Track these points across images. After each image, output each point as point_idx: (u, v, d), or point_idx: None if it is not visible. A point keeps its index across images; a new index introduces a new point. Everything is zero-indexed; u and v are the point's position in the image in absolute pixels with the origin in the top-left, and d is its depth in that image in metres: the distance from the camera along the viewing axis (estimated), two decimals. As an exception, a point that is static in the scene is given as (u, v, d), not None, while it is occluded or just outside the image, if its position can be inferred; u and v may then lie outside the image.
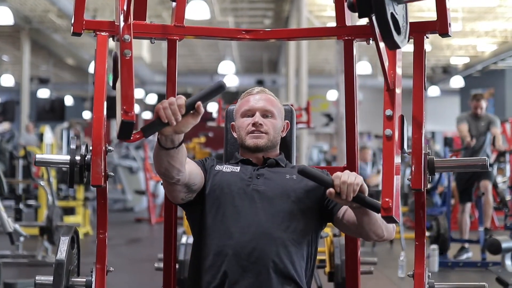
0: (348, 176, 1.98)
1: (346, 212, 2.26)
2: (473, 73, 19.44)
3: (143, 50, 14.43)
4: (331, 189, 1.99)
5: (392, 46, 1.73)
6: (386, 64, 2.09)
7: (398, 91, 2.10)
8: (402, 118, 2.07)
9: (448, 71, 19.73)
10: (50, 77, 20.75)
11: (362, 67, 15.23)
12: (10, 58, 20.06)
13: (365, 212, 2.09)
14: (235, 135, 2.48)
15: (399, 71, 2.13)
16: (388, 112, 2.04)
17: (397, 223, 1.96)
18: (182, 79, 20.86)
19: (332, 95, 20.37)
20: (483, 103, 7.46)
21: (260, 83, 19.92)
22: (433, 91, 21.73)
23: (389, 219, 1.92)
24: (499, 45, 16.62)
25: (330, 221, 2.34)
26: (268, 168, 2.39)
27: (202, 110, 1.92)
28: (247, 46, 18.33)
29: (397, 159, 2.00)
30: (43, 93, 21.08)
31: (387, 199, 1.91)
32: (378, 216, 2.08)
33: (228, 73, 18.31)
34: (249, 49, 19.03)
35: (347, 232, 2.38)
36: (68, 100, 22.91)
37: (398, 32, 1.77)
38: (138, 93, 22.86)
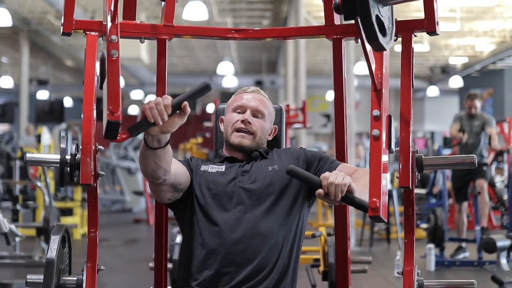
0: (336, 177, 1.98)
1: None
2: (472, 73, 19.44)
3: (142, 51, 14.42)
4: (320, 190, 1.99)
5: (378, 48, 1.74)
6: (373, 64, 2.10)
7: (385, 91, 2.10)
8: (389, 118, 2.08)
9: (447, 71, 19.74)
10: (49, 78, 20.75)
11: (360, 68, 15.22)
12: (9, 59, 20.08)
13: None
14: (222, 129, 2.50)
15: (386, 71, 2.14)
16: (375, 112, 2.05)
17: (385, 222, 1.97)
18: (181, 80, 20.88)
19: (331, 95, 20.38)
20: (477, 103, 7.50)
21: (259, 83, 19.93)
22: (432, 91, 21.74)
23: (377, 218, 1.93)
24: (498, 45, 16.62)
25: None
26: (253, 161, 2.40)
27: (189, 110, 1.94)
28: (245, 47, 18.35)
29: (385, 159, 2.01)
30: (42, 94, 21.08)
31: (374, 199, 1.92)
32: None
33: (227, 74, 18.33)
34: (247, 50, 19.05)
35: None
36: (67, 102, 22.93)
37: (384, 34, 1.78)
38: (137, 94, 22.89)
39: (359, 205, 2.01)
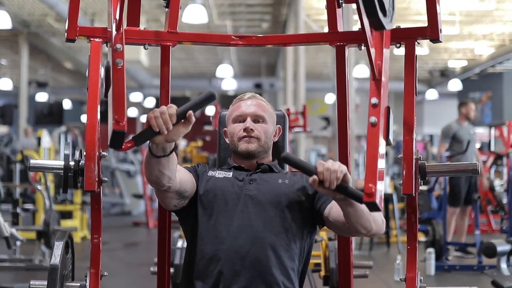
0: (332, 164, 1.93)
1: (332, 209, 2.25)
2: (471, 76, 19.44)
3: (141, 54, 14.42)
4: (315, 176, 1.93)
5: (378, 25, 1.67)
6: (373, 54, 2.03)
7: (385, 81, 2.02)
8: (388, 109, 1.99)
9: (446, 74, 19.75)
10: (48, 81, 20.72)
11: (360, 71, 15.23)
12: (8, 62, 20.06)
13: (350, 204, 2.04)
14: (227, 141, 2.50)
15: (386, 63, 2.06)
16: (374, 100, 1.96)
17: (380, 210, 1.84)
18: (180, 83, 20.86)
19: (330, 98, 20.38)
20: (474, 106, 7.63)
21: (258, 86, 19.93)
22: (431, 94, 21.75)
23: (372, 205, 1.81)
24: (497, 48, 16.64)
25: (320, 222, 2.33)
26: (261, 173, 2.40)
27: (193, 119, 1.94)
28: (245, 50, 18.33)
29: (382, 148, 1.92)
30: (41, 97, 21.06)
31: (370, 185, 1.80)
32: (364, 208, 2.03)
33: (226, 77, 18.33)
34: (247, 53, 19.04)
35: (337, 230, 2.33)
36: (67, 104, 22.93)
37: (384, 14, 1.74)
38: (136, 96, 22.90)
39: (354, 195, 1.94)
